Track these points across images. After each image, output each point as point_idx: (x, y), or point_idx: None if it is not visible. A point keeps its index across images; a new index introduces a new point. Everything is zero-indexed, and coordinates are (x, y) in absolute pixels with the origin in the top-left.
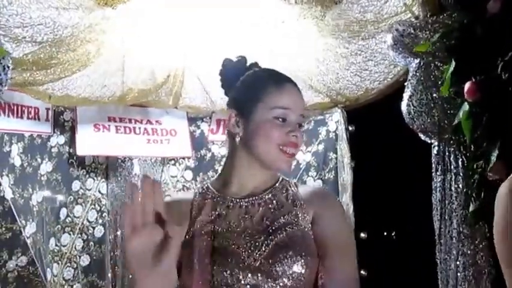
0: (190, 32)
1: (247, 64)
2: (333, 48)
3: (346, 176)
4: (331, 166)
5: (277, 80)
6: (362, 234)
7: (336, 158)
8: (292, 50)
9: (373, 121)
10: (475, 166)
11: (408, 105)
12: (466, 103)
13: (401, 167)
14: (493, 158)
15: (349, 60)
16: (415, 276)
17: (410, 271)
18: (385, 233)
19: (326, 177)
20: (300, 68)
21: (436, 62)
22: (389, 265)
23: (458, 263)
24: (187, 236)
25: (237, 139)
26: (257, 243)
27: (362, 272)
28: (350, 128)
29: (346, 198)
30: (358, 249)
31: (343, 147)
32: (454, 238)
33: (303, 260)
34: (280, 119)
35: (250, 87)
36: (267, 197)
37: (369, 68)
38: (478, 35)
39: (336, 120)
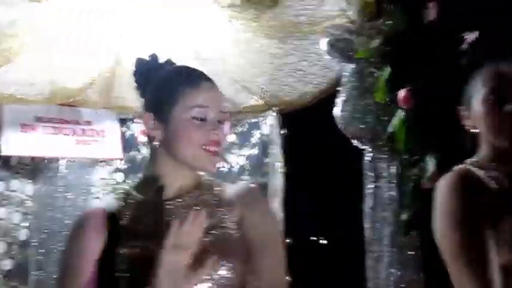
0: (122, 31)
1: (160, 62)
2: (266, 49)
3: (277, 181)
4: (265, 170)
5: (192, 78)
6: (287, 240)
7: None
8: (225, 52)
9: (306, 125)
10: (409, 174)
11: (342, 110)
12: (400, 110)
13: (333, 172)
14: (429, 167)
15: (283, 60)
16: (344, 284)
17: (340, 279)
18: (315, 239)
19: (260, 182)
20: (233, 69)
21: (371, 69)
22: (317, 272)
23: (391, 271)
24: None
25: (156, 143)
26: None
27: (287, 278)
28: (282, 132)
29: (277, 204)
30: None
31: (276, 152)
32: (385, 246)
33: (229, 264)
34: (199, 119)
35: (164, 87)
36: (191, 198)
37: (303, 69)
38: (413, 42)
39: (270, 124)
